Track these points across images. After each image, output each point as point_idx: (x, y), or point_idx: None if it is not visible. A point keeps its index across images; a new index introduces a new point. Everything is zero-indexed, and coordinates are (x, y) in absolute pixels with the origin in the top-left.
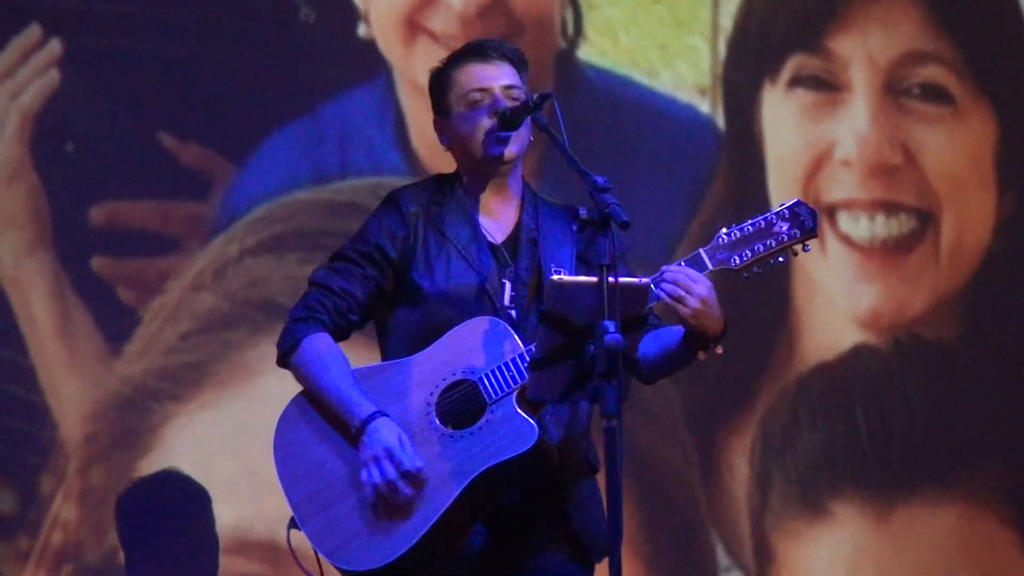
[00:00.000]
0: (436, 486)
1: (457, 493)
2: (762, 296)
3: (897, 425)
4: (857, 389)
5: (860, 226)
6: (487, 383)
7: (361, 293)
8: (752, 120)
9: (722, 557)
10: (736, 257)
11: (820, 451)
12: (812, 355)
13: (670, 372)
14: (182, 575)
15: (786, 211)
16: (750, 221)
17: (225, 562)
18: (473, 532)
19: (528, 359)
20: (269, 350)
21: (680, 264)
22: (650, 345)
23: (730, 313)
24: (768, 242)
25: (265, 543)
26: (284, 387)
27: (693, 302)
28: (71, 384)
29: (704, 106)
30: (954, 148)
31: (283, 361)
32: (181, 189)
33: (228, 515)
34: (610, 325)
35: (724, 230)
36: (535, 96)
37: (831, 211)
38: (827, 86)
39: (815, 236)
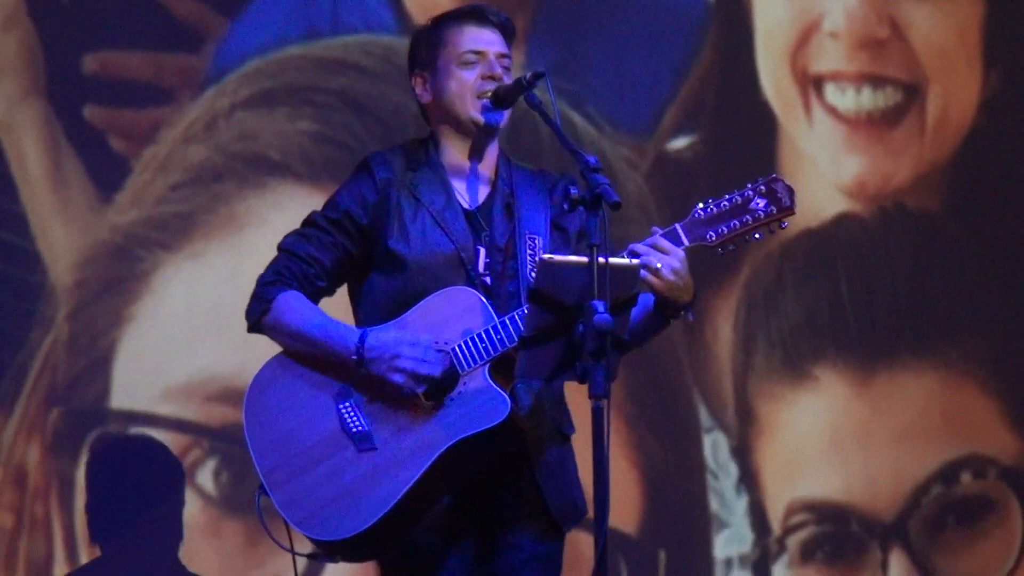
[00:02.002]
0: (407, 457)
1: (428, 464)
2: (748, 163)
3: (880, 292)
4: (841, 256)
5: (846, 98)
6: (460, 354)
7: (328, 260)
8: None
9: (705, 418)
10: (712, 233)
11: (803, 316)
12: (797, 221)
13: (644, 340)
14: (148, 539)
15: (763, 186)
16: (727, 196)
17: (208, 409)
18: (444, 503)
19: (501, 330)
20: (257, 203)
21: (655, 236)
22: None
23: (718, 180)
24: (745, 218)
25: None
26: (272, 240)
27: (667, 273)
28: (62, 231)
29: None
30: (942, 23)
31: (256, 324)
32: (174, 41)
33: (212, 364)
34: (599, 305)
35: (700, 205)
36: (528, 75)
37: (818, 82)
38: None
39: (792, 213)
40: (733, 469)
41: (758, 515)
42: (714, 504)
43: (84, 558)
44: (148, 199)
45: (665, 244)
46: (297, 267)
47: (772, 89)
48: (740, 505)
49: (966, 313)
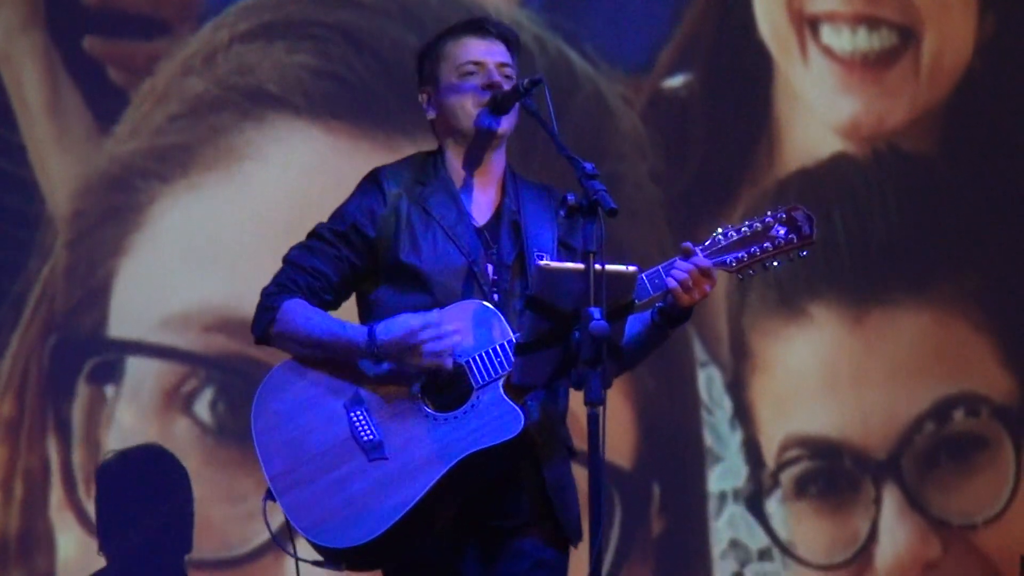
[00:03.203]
0: (418, 467)
1: (439, 476)
2: (744, 100)
3: (874, 231)
4: (835, 195)
5: (842, 38)
6: (474, 367)
7: (334, 274)
8: None
9: (700, 353)
10: (732, 258)
11: None
12: (792, 160)
13: (640, 358)
14: (155, 549)
15: (783, 214)
16: (747, 223)
17: (206, 339)
18: (450, 513)
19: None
20: (255, 136)
21: (700, 255)
22: None
23: (713, 119)
24: (764, 245)
25: (248, 321)
26: (269, 172)
27: (697, 296)
28: (60, 161)
29: None
30: None
31: (264, 335)
32: None
33: (210, 294)
34: (595, 312)
35: (720, 230)
36: (525, 81)
37: (814, 22)
38: None
39: (812, 242)
40: (727, 404)
41: (752, 450)
42: (708, 438)
43: (80, 486)
44: (146, 130)
45: (714, 272)
46: (303, 280)
47: (768, 29)
48: (734, 440)
49: (959, 252)
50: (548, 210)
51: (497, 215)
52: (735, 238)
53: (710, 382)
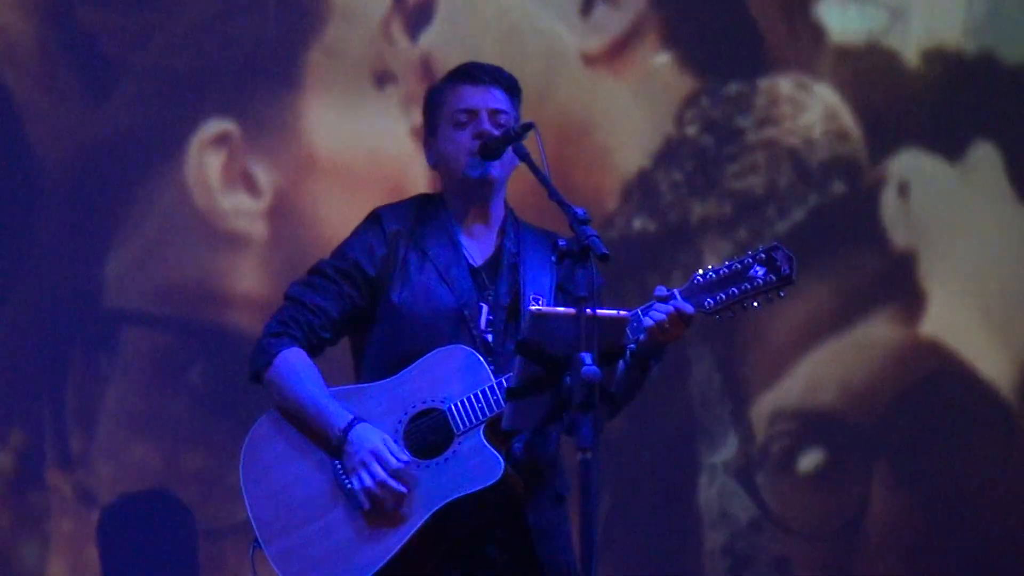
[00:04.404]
0: (400, 515)
1: (420, 523)
2: (734, 78)
3: (863, 204)
4: (827, 172)
5: (832, 17)
6: (456, 413)
7: (335, 311)
8: None
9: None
10: (710, 300)
11: (787, 227)
12: (782, 139)
13: (628, 401)
14: None
15: (763, 254)
16: (726, 263)
17: (200, 310)
18: (434, 561)
19: (498, 391)
20: (246, 108)
21: (678, 297)
22: None
23: (702, 94)
24: (743, 286)
25: (240, 293)
26: (261, 145)
27: (673, 337)
28: (54, 133)
29: None
30: None
31: (257, 377)
32: None
33: (204, 265)
34: (587, 357)
35: (699, 272)
36: (517, 126)
37: (804, 1)
38: None
39: (791, 283)
40: (717, 377)
41: (742, 422)
42: (698, 411)
43: (74, 457)
44: (139, 103)
45: (691, 316)
46: (303, 317)
47: (758, 7)
48: (724, 412)
49: (950, 228)
50: (549, 254)
51: (496, 256)
52: (713, 279)
53: (700, 355)
